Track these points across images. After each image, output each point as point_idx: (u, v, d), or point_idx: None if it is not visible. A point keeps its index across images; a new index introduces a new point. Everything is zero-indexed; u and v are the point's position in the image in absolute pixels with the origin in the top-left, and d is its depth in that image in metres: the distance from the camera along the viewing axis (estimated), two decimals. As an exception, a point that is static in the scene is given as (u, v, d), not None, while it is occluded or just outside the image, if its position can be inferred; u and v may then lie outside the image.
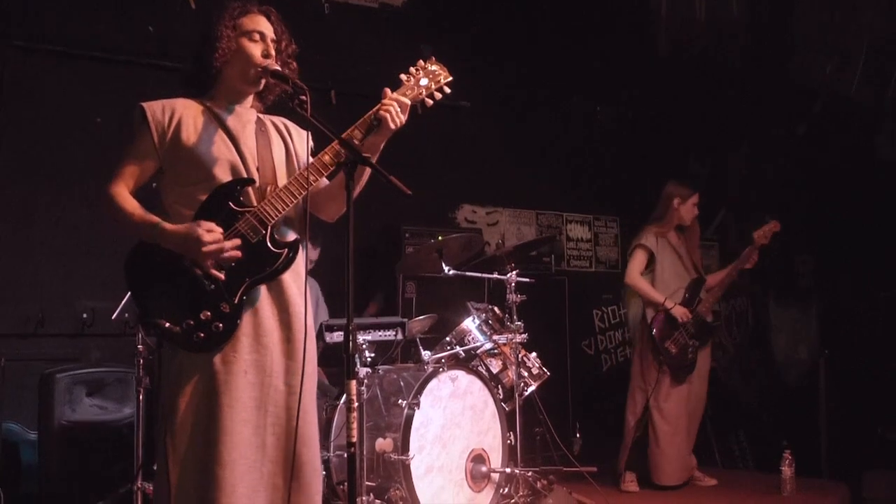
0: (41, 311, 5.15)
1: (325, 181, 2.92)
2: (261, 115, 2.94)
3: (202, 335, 2.60)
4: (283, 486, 2.66)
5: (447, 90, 2.90)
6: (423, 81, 2.86)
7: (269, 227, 2.70)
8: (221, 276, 2.63)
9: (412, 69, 2.88)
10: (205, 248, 2.58)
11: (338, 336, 4.35)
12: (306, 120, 2.63)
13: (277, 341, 2.71)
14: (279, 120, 3.00)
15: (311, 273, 5.27)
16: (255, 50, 2.80)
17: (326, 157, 2.73)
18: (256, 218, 2.68)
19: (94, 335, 5.24)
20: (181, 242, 2.61)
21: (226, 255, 2.62)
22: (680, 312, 5.43)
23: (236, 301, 2.65)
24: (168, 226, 2.63)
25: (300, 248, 2.78)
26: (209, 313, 2.61)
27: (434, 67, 2.90)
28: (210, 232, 2.60)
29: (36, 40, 5.31)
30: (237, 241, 2.64)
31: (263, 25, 2.85)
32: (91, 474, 4.48)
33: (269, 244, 2.71)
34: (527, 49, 7.26)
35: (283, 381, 2.71)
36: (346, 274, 2.43)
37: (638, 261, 5.57)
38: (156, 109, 2.76)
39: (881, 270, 7.63)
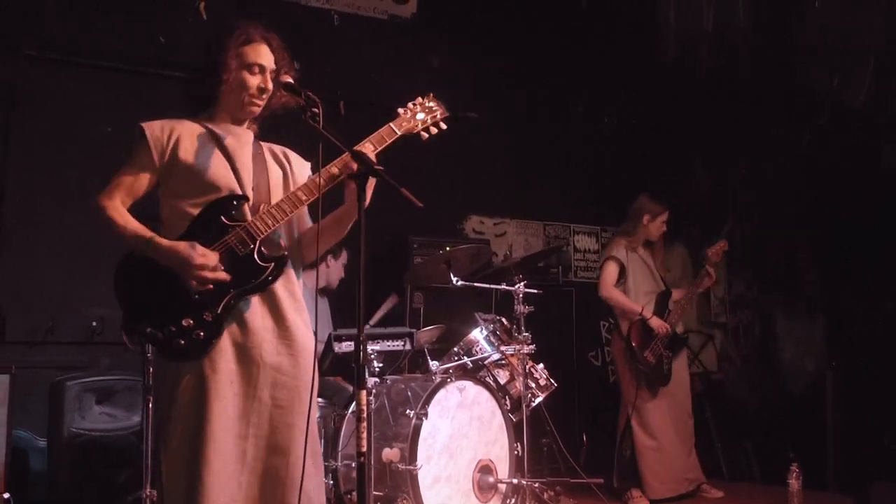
0: (51, 319, 5.19)
1: (309, 222, 3.00)
2: (260, 141, 3.00)
3: (182, 342, 2.64)
4: (258, 498, 2.68)
5: (443, 126, 3.01)
6: (420, 116, 2.98)
7: (258, 242, 2.75)
8: (210, 286, 2.68)
9: (410, 104, 2.99)
10: (192, 272, 2.64)
11: (346, 346, 4.37)
12: (318, 132, 2.66)
13: (268, 354, 2.74)
14: (279, 147, 3.06)
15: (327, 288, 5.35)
16: (254, 82, 2.87)
17: (320, 179, 2.79)
18: (246, 232, 2.74)
19: (104, 343, 5.27)
20: (173, 259, 2.65)
21: (209, 280, 2.67)
22: (657, 324, 5.44)
23: (219, 311, 2.69)
24: (163, 241, 2.68)
25: (288, 263, 2.83)
26: (191, 321, 2.65)
27: (431, 104, 3.02)
28: (203, 257, 2.65)
29: (47, 50, 5.35)
30: (225, 277, 2.68)
31: (264, 57, 2.89)
32: (100, 482, 4.49)
33: (255, 258, 2.75)
34: (534, 60, 7.29)
35: (269, 394, 2.73)
36: (357, 287, 2.45)
37: (610, 272, 5.57)
38: (154, 127, 2.82)
39: (888, 281, 7.61)
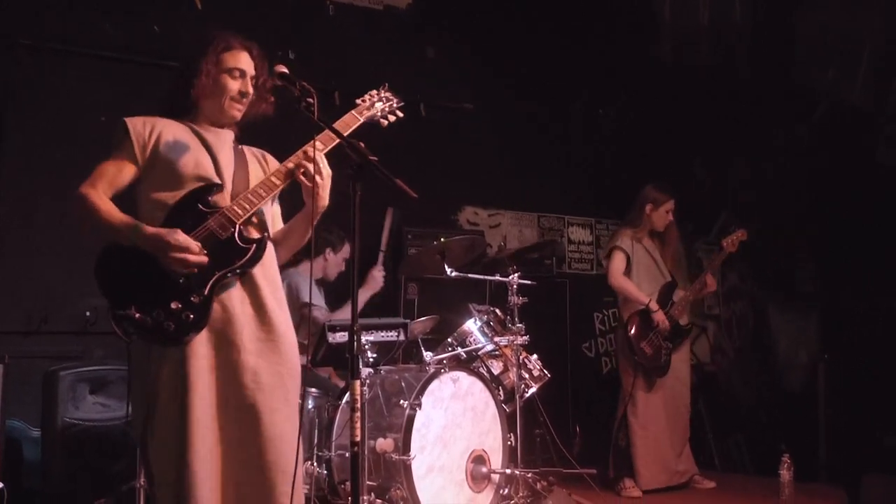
0: (45, 309, 5.18)
1: (280, 224, 3.12)
2: (238, 144, 3.07)
3: (172, 325, 2.67)
4: (248, 482, 2.71)
5: (400, 114, 3.24)
6: (378, 105, 3.18)
7: (237, 225, 2.80)
8: (193, 269, 2.71)
9: (367, 95, 3.19)
10: (172, 255, 2.67)
11: (340, 336, 4.38)
12: (313, 122, 2.69)
13: (248, 340, 2.77)
14: (258, 150, 3.14)
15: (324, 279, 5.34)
16: (234, 86, 2.94)
17: (290, 164, 2.90)
18: (225, 217, 2.79)
19: (98, 333, 5.25)
20: (155, 244, 2.69)
21: (192, 264, 2.70)
22: (660, 318, 5.44)
23: (206, 293, 2.72)
24: (147, 228, 2.72)
25: (268, 244, 2.90)
26: (179, 304, 2.68)
27: (387, 94, 3.24)
28: (185, 242, 2.69)
29: (43, 39, 5.33)
30: (204, 260, 2.72)
31: (245, 63, 2.97)
32: (93, 472, 4.48)
33: (237, 240, 2.80)
34: (530, 52, 7.28)
35: (252, 379, 2.75)
36: (351, 277, 2.47)
37: (618, 261, 5.57)
38: (137, 122, 2.90)
39: (882, 275, 7.64)
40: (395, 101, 3.24)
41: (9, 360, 4.23)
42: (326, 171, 2.89)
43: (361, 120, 3.08)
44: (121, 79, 5.50)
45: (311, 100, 2.72)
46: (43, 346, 5.15)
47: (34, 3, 5.33)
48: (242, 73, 2.95)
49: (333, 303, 5.29)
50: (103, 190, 2.82)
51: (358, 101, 3.15)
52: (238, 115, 3.00)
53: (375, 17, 6.68)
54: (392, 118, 3.22)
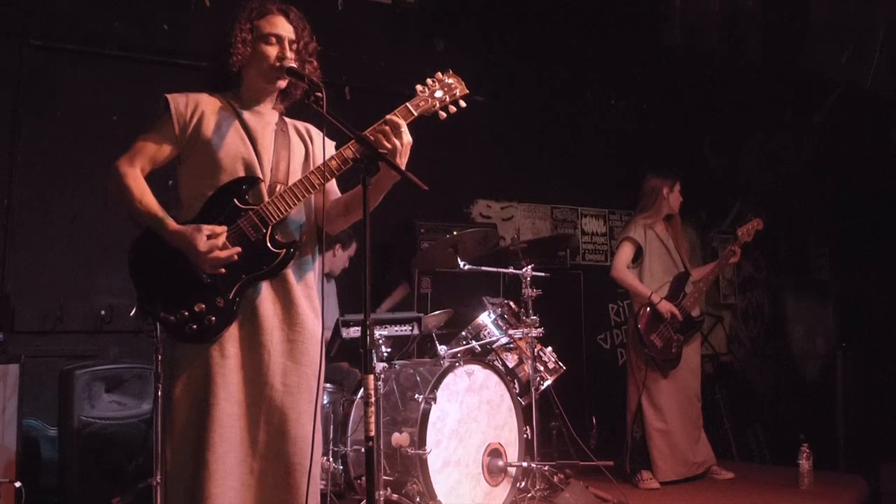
0: (60, 308, 5.19)
1: (337, 192, 2.97)
2: (285, 118, 2.96)
3: (195, 326, 2.65)
4: (271, 484, 2.70)
5: (462, 104, 2.88)
6: (438, 94, 2.85)
7: (270, 227, 2.73)
8: (222, 270, 2.67)
9: (429, 80, 2.87)
10: (201, 257, 2.63)
11: (354, 331, 4.37)
12: (322, 117, 2.65)
13: (278, 341, 2.74)
14: (303, 124, 3.01)
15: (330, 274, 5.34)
16: (272, 53, 2.81)
17: (333, 163, 2.74)
18: (258, 216, 2.72)
19: (113, 332, 5.29)
20: (181, 243, 2.65)
21: (222, 262, 2.65)
22: (665, 308, 5.40)
23: (231, 297, 2.69)
24: (172, 224, 2.67)
25: (299, 249, 2.81)
26: (203, 306, 2.66)
27: (451, 80, 2.89)
28: (210, 238, 2.64)
29: (53, 38, 5.34)
30: (236, 249, 2.67)
31: (281, 27, 2.85)
32: (110, 469, 4.51)
33: (268, 243, 2.74)
34: (541, 43, 7.25)
35: (281, 381, 2.73)
36: (363, 270, 2.45)
37: (625, 253, 5.54)
38: (179, 101, 2.80)
39: (898, 262, 7.60)
40: (458, 89, 2.87)
41: (25, 360, 4.25)
42: (407, 138, 2.68)
43: (415, 114, 2.79)
44: (131, 77, 5.51)
45: (319, 94, 2.66)
46: (58, 345, 5.17)
47: (45, 3, 5.34)
48: (279, 39, 2.81)
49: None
50: (141, 166, 2.75)
51: (418, 87, 2.84)
52: (283, 83, 2.86)
53: (385, 10, 6.66)
54: (453, 109, 2.87)
